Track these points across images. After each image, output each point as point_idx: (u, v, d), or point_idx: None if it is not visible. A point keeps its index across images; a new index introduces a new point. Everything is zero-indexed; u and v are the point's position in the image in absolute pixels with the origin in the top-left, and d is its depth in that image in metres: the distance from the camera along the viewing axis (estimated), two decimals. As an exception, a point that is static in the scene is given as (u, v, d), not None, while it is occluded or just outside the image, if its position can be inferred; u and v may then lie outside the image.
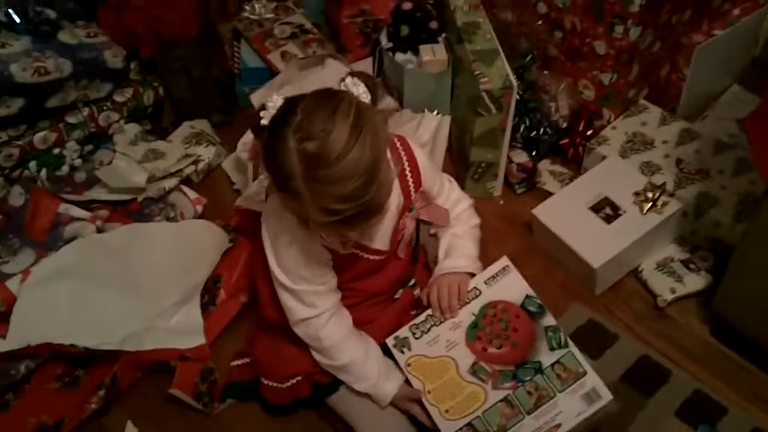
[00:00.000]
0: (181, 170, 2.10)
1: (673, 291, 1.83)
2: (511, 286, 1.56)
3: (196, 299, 1.81)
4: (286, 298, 1.50)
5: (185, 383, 1.66)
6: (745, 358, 1.74)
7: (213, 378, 1.72)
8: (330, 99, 1.24)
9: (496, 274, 1.58)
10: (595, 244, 1.82)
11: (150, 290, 1.77)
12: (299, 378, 1.59)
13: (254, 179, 2.03)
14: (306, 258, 1.44)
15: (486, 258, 1.96)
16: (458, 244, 1.63)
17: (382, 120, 1.33)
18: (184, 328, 1.76)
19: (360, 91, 1.31)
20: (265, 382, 1.63)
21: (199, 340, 1.73)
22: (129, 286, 1.76)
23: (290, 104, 1.26)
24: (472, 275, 1.59)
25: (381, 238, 1.53)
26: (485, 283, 1.57)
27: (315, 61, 2.28)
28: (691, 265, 1.87)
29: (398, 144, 1.51)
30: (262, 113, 1.28)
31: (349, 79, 1.31)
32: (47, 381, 1.69)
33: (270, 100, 1.28)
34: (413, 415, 1.51)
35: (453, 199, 1.66)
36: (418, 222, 1.61)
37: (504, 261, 1.59)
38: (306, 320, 1.50)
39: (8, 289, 1.67)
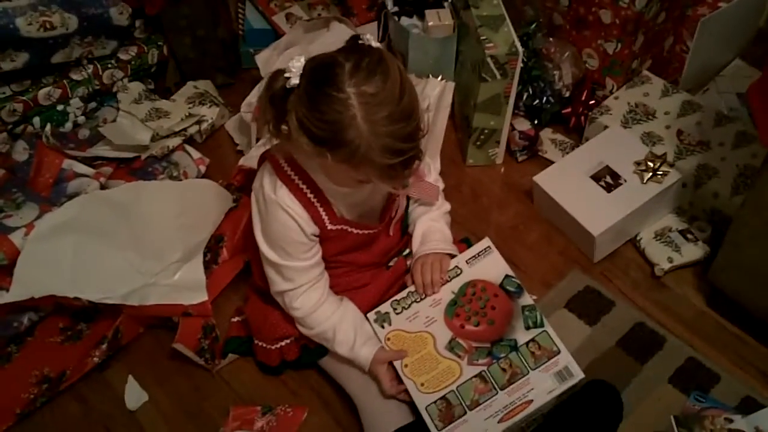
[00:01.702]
0: (184, 130, 2.10)
1: (670, 260, 1.85)
2: (491, 266, 1.57)
3: (198, 257, 1.82)
4: (267, 269, 1.52)
5: (188, 338, 1.67)
6: (739, 327, 1.76)
7: (214, 334, 1.73)
8: (367, 50, 1.24)
9: (478, 254, 1.59)
10: (595, 212, 1.83)
11: (153, 246, 1.78)
12: (288, 341, 1.61)
13: (257, 140, 2.03)
14: (292, 232, 1.44)
15: (488, 224, 1.98)
16: (436, 228, 1.64)
17: None
18: (186, 285, 1.76)
19: (378, 45, 1.30)
20: (256, 341, 1.66)
21: (202, 296, 1.74)
22: (132, 241, 1.77)
23: (327, 58, 1.25)
24: (452, 257, 1.60)
25: (370, 212, 1.55)
26: (466, 262, 1.59)
27: (320, 24, 2.27)
28: (689, 235, 1.88)
29: None
30: (288, 74, 1.25)
31: (368, 35, 1.30)
32: (50, 334, 1.70)
33: (295, 60, 1.26)
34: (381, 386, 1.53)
35: (433, 178, 1.66)
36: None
37: (486, 242, 1.60)
38: (283, 292, 1.52)
39: (12, 242, 1.67)
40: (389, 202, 1.56)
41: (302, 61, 1.26)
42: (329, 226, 1.47)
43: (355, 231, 1.52)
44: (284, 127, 1.29)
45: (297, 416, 1.63)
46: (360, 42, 1.27)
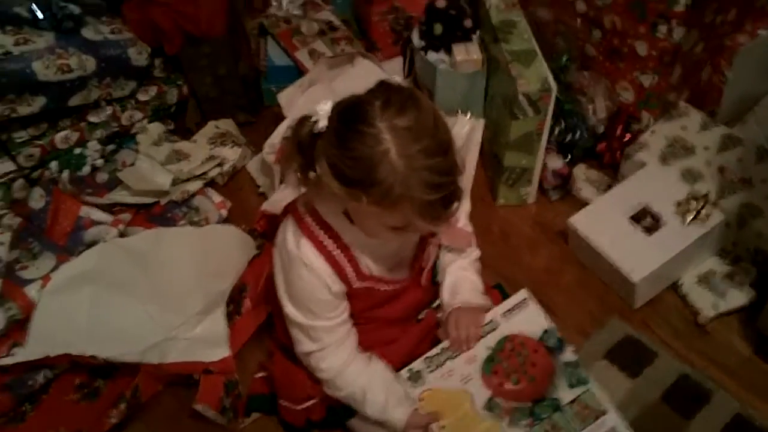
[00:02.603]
0: (205, 173, 2.05)
1: (715, 307, 1.77)
2: (529, 319, 1.51)
3: (221, 308, 1.76)
4: (292, 329, 1.46)
5: (210, 397, 1.61)
6: (791, 377, 1.67)
7: (237, 391, 1.66)
8: (396, 88, 1.20)
9: (514, 306, 1.53)
10: (635, 257, 1.76)
11: (174, 297, 1.73)
12: (314, 401, 1.54)
13: (281, 183, 1.97)
14: (317, 291, 1.37)
15: (520, 267, 1.91)
16: (466, 278, 1.58)
17: None
18: (208, 339, 1.71)
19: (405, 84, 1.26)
20: (281, 401, 1.59)
21: (224, 352, 1.68)
22: (152, 293, 1.72)
23: (355, 98, 1.21)
24: (486, 310, 1.54)
25: (400, 266, 1.49)
26: (502, 315, 1.52)
27: (344, 60, 2.22)
28: (733, 279, 1.80)
29: None
30: (315, 118, 1.21)
31: (395, 77, 1.26)
32: (66, 392, 1.65)
33: (322, 104, 1.22)
34: None
35: (462, 223, 1.60)
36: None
37: (523, 293, 1.55)
38: (310, 353, 1.45)
39: (27, 295, 1.63)
40: (419, 252, 1.50)
41: (329, 104, 1.22)
42: (356, 284, 1.40)
43: (383, 287, 1.46)
44: (312, 174, 1.24)
45: (324, 478, 1.55)
46: (388, 82, 1.23)
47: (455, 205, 1.22)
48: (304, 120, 1.24)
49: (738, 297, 1.78)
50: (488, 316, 1.52)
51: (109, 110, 2.05)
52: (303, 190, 1.33)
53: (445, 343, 1.51)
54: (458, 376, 1.47)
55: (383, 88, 1.21)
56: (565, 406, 1.40)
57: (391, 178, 1.15)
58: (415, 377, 1.49)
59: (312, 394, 1.53)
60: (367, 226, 1.30)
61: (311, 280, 1.36)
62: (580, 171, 2.10)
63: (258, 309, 1.78)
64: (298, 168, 1.27)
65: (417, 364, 1.50)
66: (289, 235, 1.38)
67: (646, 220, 1.81)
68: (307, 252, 1.35)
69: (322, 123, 1.20)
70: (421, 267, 1.52)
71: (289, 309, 1.41)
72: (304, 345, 1.44)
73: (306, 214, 1.37)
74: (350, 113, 1.19)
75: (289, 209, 1.42)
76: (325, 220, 1.36)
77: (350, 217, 1.32)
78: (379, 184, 1.16)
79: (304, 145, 1.23)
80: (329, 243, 1.36)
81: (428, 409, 1.45)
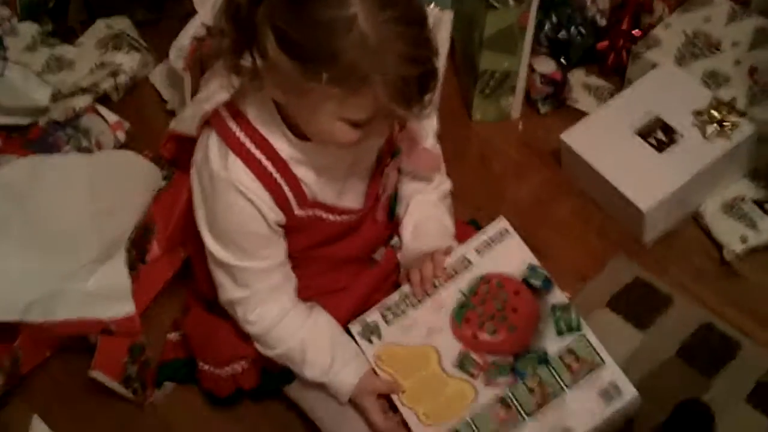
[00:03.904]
0: (95, 84, 2.09)
1: (744, 240, 1.85)
2: (509, 254, 1.56)
3: (120, 253, 1.80)
4: (215, 271, 1.49)
5: (110, 364, 1.67)
6: (836, 325, 1.77)
7: (145, 357, 1.73)
8: None
9: (491, 239, 1.58)
10: (644, 180, 1.84)
11: (59, 243, 1.78)
12: (243, 363, 1.60)
13: (193, 95, 2.01)
14: (249, 221, 1.40)
15: (503, 198, 1.98)
16: (434, 216, 1.63)
17: None
18: (106, 292, 1.75)
19: None
20: (201, 365, 1.64)
21: (127, 308, 1.73)
22: (31, 237, 1.76)
23: None
24: None
25: (352, 191, 1.52)
26: (476, 251, 1.57)
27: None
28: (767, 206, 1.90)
29: None
30: None
31: None
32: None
33: None
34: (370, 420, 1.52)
35: (431, 143, 1.63)
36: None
37: (501, 222, 1.59)
38: (235, 301, 1.49)
39: None
40: (376, 175, 1.54)
41: None
42: (298, 212, 1.44)
43: (331, 217, 1.50)
44: (247, 57, 1.25)
45: (257, 461, 1.64)
46: None
47: (430, 95, 1.26)
48: None
49: (773, 228, 1.87)
50: (459, 251, 1.57)
51: (-36, 7, 2.09)
52: (232, 87, 1.34)
53: (405, 288, 1.57)
54: (423, 327, 1.53)
55: None
56: (553, 358, 1.46)
57: (358, 48, 1.17)
58: (369, 330, 1.55)
59: (240, 353, 1.57)
60: (318, 122, 1.30)
61: (244, 209, 1.39)
62: (578, 76, 2.18)
63: (170, 255, 1.84)
64: (229, 46, 1.27)
65: (371, 315, 1.56)
66: (212, 151, 1.39)
67: (657, 134, 1.89)
68: (238, 172, 1.37)
69: None
70: (378, 195, 1.57)
71: (213, 246, 1.44)
72: (229, 291, 1.49)
73: (234, 123, 1.38)
74: None
75: (210, 119, 1.42)
76: (257, 128, 1.38)
77: (291, 119, 1.35)
78: (344, 56, 1.17)
79: (242, 13, 1.22)
80: (264, 159, 1.38)
81: (386, 370, 1.51)
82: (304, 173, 1.42)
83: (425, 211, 1.62)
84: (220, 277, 1.48)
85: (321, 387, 1.52)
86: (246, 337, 1.54)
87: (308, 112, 1.30)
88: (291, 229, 1.46)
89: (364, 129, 1.28)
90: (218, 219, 1.42)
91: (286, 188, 1.40)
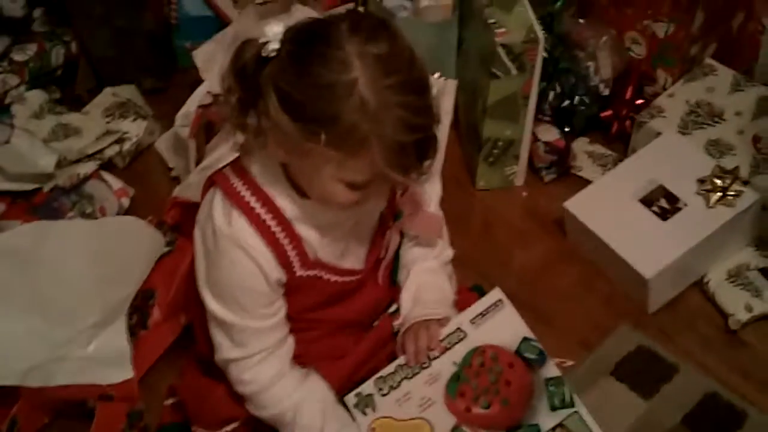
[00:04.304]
0: (100, 151, 2.11)
1: (749, 309, 1.84)
2: (504, 326, 1.57)
3: (121, 320, 1.80)
4: (212, 330, 1.49)
5: (108, 430, 1.66)
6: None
7: (143, 424, 1.72)
8: (365, 13, 1.29)
9: (486, 310, 1.58)
10: (648, 248, 1.84)
11: (61, 308, 1.78)
12: (235, 425, 1.59)
13: (197, 163, 2.03)
14: (250, 279, 1.41)
15: (507, 266, 1.97)
16: (434, 284, 1.64)
17: None
18: (105, 358, 1.75)
19: None
20: (195, 428, 1.64)
21: (126, 373, 1.73)
22: (33, 302, 1.76)
23: (316, 20, 1.27)
24: None
25: (354, 252, 1.54)
26: (471, 322, 1.57)
27: (277, 8, 2.27)
28: (773, 275, 1.89)
29: None
30: (265, 40, 1.25)
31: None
32: None
33: (273, 25, 1.26)
34: None
35: (433, 208, 1.65)
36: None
37: (496, 294, 1.59)
38: (231, 361, 1.49)
39: None
40: (377, 237, 1.56)
41: (281, 26, 1.26)
42: (299, 272, 1.45)
43: (332, 277, 1.50)
44: (253, 117, 1.29)
45: None
46: (355, 9, 1.30)
47: (428, 161, 1.29)
48: (248, 43, 1.28)
49: (778, 297, 1.86)
50: (454, 323, 1.57)
51: (-26, 74, 2.12)
52: (237, 144, 1.37)
53: (401, 360, 1.57)
54: (417, 400, 1.53)
55: (350, 12, 1.30)
56: None
57: (358, 112, 1.19)
58: (365, 403, 1.54)
59: (232, 415, 1.57)
60: (319, 183, 1.32)
61: (246, 266, 1.40)
62: (581, 145, 2.19)
63: (170, 321, 1.83)
64: (236, 106, 1.30)
65: (367, 387, 1.56)
66: (216, 208, 1.41)
67: (660, 202, 1.89)
68: (241, 229, 1.38)
69: (273, 45, 1.24)
70: (379, 258, 1.58)
71: (212, 304, 1.45)
72: (225, 351, 1.49)
73: (238, 181, 1.40)
74: (311, 34, 1.24)
75: (215, 178, 1.45)
76: (262, 187, 1.40)
77: (294, 179, 1.37)
78: (344, 119, 1.20)
79: (248, 72, 1.26)
80: (268, 218, 1.39)
81: None
82: (306, 232, 1.43)
83: (425, 279, 1.63)
84: (218, 336, 1.49)
85: None
86: (239, 399, 1.54)
87: (309, 172, 1.32)
88: (291, 288, 1.47)
89: (364, 191, 1.30)
90: (220, 276, 1.43)
91: (288, 247, 1.41)
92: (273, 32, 1.25)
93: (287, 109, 1.22)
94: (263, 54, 1.25)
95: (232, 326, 1.45)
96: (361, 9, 1.34)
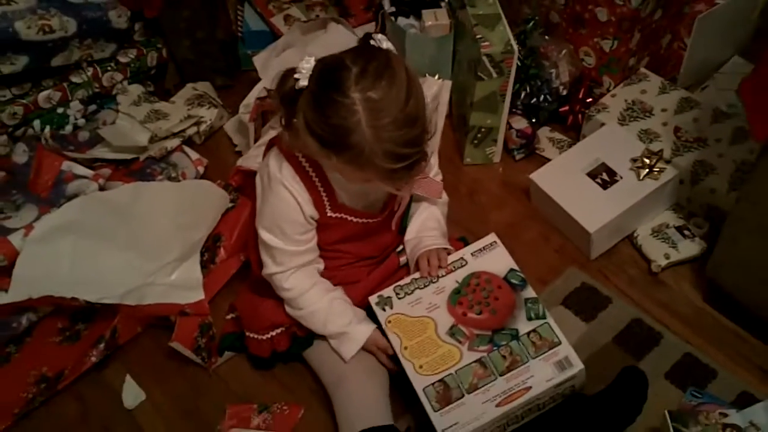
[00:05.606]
0: (183, 131, 2.11)
1: (667, 256, 1.84)
2: (496, 259, 1.60)
3: (196, 256, 1.83)
4: (261, 251, 1.55)
5: (184, 337, 1.68)
6: (737, 324, 1.75)
7: (211, 333, 1.73)
8: (376, 53, 1.29)
9: (484, 247, 1.62)
10: (591, 209, 1.83)
11: (151, 246, 1.79)
12: (279, 330, 1.62)
13: (255, 141, 2.04)
14: (291, 210, 1.46)
15: (485, 223, 1.98)
16: (434, 218, 1.67)
17: None
18: (183, 284, 1.78)
19: (389, 46, 1.33)
20: (248, 333, 1.67)
21: (199, 295, 1.75)
22: (130, 242, 1.78)
23: (336, 61, 1.28)
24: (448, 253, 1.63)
25: (373, 203, 1.56)
26: (472, 254, 1.62)
27: (317, 25, 2.28)
28: (686, 232, 1.88)
29: None
30: (297, 75, 1.28)
31: (380, 36, 1.33)
32: (48, 334, 1.71)
33: (305, 61, 1.29)
34: (379, 360, 1.56)
35: (433, 173, 1.67)
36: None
37: (492, 237, 1.63)
38: (272, 274, 1.54)
39: (11, 243, 1.68)
40: (392, 195, 1.57)
41: (312, 62, 1.30)
42: (329, 213, 1.49)
43: (355, 219, 1.53)
44: (295, 121, 1.32)
45: (293, 414, 1.63)
46: (371, 43, 1.32)
47: (419, 167, 1.32)
48: (289, 74, 1.31)
49: (690, 248, 1.85)
50: (458, 254, 1.62)
51: (90, 71, 2.12)
52: (286, 137, 1.39)
53: (416, 275, 1.61)
54: (425, 304, 1.56)
55: (364, 51, 1.30)
56: (523, 336, 1.49)
57: (360, 145, 1.25)
58: (384, 302, 1.58)
59: (276, 321, 1.61)
60: (340, 174, 1.39)
61: (287, 200, 1.45)
62: (545, 132, 2.18)
63: (232, 258, 1.85)
64: (283, 116, 1.35)
65: (387, 291, 1.60)
66: (272, 160, 1.46)
67: (602, 175, 1.89)
68: (288, 174, 1.44)
69: (303, 82, 1.28)
70: (393, 210, 1.60)
71: (261, 231, 1.50)
72: (269, 267, 1.54)
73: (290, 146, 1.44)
74: (328, 79, 1.27)
75: (274, 141, 1.50)
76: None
77: None
78: (350, 149, 1.26)
79: (287, 98, 1.32)
80: (310, 170, 1.45)
81: (394, 331, 1.54)
82: (338, 185, 1.47)
83: (428, 213, 1.68)
84: (265, 256, 1.54)
85: (328, 351, 1.56)
86: (281, 310, 1.58)
87: (332, 167, 1.39)
88: (323, 226, 1.52)
89: (373, 182, 1.35)
90: (270, 209, 1.48)
91: (323, 193, 1.47)
92: (305, 68, 1.29)
93: (310, 133, 1.29)
94: (297, 87, 1.29)
95: (274, 248, 1.50)
96: (377, 35, 1.33)
